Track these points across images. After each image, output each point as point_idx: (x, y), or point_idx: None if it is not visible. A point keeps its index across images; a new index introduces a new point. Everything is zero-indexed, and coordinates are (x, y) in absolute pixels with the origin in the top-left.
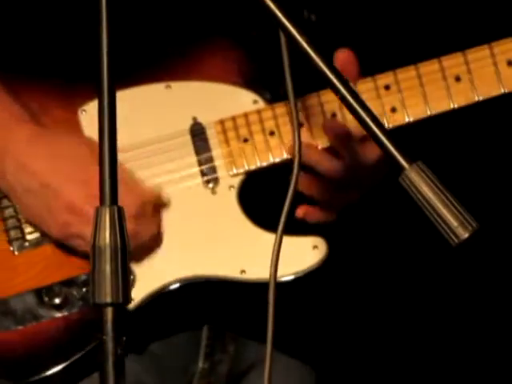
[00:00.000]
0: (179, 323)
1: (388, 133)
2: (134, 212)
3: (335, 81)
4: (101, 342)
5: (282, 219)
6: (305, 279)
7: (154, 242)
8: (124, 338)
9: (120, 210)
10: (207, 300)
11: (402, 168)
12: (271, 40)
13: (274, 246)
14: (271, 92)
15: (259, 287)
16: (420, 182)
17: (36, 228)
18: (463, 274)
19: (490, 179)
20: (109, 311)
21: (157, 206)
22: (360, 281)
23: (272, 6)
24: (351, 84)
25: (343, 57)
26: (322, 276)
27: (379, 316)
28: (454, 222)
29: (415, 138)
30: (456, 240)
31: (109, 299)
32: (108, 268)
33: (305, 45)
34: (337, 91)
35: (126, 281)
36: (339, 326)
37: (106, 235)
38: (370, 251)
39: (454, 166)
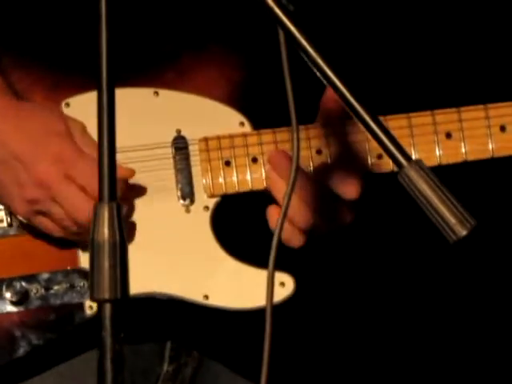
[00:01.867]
0: (142, 334)
1: (387, 131)
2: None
3: (334, 79)
4: (50, 341)
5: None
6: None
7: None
8: (122, 334)
9: (119, 207)
10: (171, 316)
11: (400, 166)
12: (268, 48)
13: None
14: (262, 108)
15: (221, 313)
16: (418, 179)
17: (0, 203)
18: (461, 271)
19: (488, 176)
20: (107, 307)
21: (127, 189)
22: (358, 278)
23: (271, 3)
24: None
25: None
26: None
27: (375, 317)
28: (452, 220)
29: None
30: (454, 237)
31: (107, 295)
32: (106, 264)
33: (304, 42)
34: (336, 89)
35: (124, 277)
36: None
37: (105, 231)
38: (367, 249)
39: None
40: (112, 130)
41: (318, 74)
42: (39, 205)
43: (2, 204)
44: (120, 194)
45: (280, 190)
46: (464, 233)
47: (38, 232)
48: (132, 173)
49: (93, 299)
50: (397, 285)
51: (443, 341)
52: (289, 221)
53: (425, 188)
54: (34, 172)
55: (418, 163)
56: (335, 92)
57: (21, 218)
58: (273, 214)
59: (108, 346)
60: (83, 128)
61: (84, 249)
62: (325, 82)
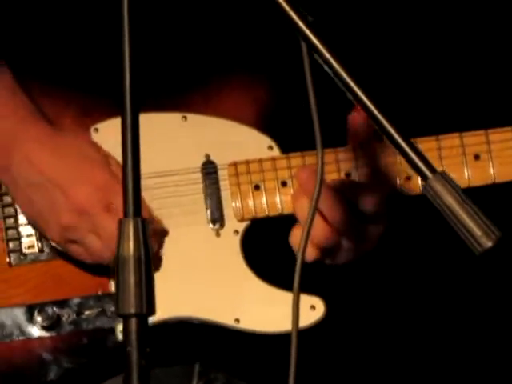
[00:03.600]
0: (172, 357)
1: (412, 143)
2: None
3: (358, 91)
4: (82, 365)
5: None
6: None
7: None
8: (148, 350)
9: (144, 222)
10: (200, 340)
11: (425, 177)
12: (293, 70)
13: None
14: (288, 134)
15: (252, 337)
16: (443, 191)
17: (34, 228)
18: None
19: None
20: (133, 322)
21: (155, 228)
22: (374, 287)
23: (294, 16)
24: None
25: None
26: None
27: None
28: (477, 231)
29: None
30: (480, 249)
31: (133, 310)
32: (132, 279)
33: (326, 54)
34: (359, 100)
35: (150, 291)
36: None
37: (130, 246)
38: (394, 272)
39: None
40: (136, 145)
41: (340, 86)
42: (74, 233)
43: (37, 229)
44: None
45: (303, 207)
46: (489, 244)
47: (70, 256)
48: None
49: (118, 314)
50: (423, 308)
51: (443, 347)
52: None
53: (449, 200)
54: (72, 197)
55: (443, 175)
56: (358, 103)
57: (54, 244)
58: (295, 234)
59: (134, 361)
60: (116, 159)
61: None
62: (348, 94)
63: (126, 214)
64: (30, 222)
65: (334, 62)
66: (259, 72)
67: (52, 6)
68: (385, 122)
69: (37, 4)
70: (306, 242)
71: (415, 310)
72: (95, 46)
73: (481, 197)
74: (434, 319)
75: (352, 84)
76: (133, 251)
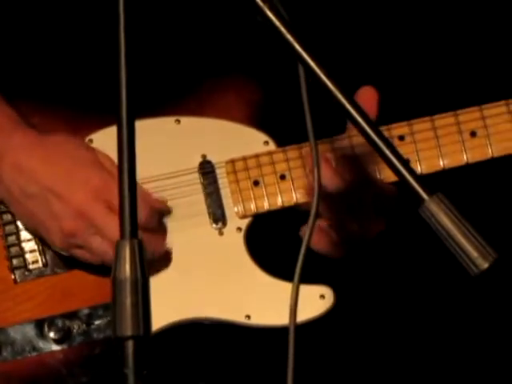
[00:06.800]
0: (173, 372)
1: (408, 165)
2: (142, 219)
3: (355, 114)
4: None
5: (299, 263)
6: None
7: (160, 258)
8: (145, 372)
9: (140, 244)
10: (203, 355)
11: (421, 199)
12: (286, 76)
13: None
14: (282, 132)
15: (264, 332)
16: (440, 212)
17: (35, 237)
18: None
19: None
20: (129, 344)
21: (162, 220)
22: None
23: (291, 38)
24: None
25: (367, 96)
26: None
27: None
28: (473, 253)
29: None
30: (476, 270)
31: (129, 332)
32: (128, 301)
33: (324, 77)
34: (356, 124)
35: (146, 313)
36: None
37: (127, 268)
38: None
39: (472, 194)
40: (132, 167)
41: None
42: (77, 238)
43: (38, 238)
44: (156, 225)
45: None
46: (486, 266)
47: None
48: (165, 206)
49: (115, 336)
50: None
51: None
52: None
53: (446, 221)
54: (70, 203)
55: (439, 196)
56: (355, 126)
57: (58, 250)
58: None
59: (131, 383)
60: (109, 157)
61: None
62: (345, 116)
63: (122, 236)
64: (31, 232)
65: (332, 88)
66: (249, 74)
67: (37, 14)
68: (381, 144)
69: (20, 16)
70: (311, 234)
71: (415, 309)
72: (84, 58)
73: (477, 215)
74: (433, 319)
75: (347, 105)
76: (129, 273)
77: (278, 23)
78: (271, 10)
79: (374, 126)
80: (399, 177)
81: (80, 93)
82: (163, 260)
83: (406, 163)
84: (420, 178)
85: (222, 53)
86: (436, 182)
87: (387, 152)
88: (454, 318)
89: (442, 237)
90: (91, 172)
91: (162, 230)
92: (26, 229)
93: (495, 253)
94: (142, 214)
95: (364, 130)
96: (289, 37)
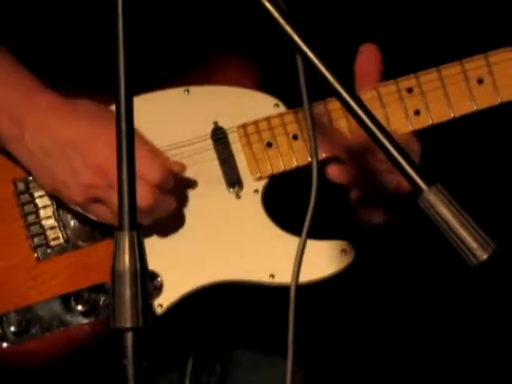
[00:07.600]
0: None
1: (406, 155)
2: (157, 179)
3: (354, 106)
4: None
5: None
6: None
7: (174, 220)
8: (145, 363)
9: (139, 235)
10: (195, 328)
11: (420, 190)
12: (283, 54)
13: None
14: (291, 96)
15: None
16: (438, 203)
17: (53, 194)
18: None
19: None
20: (129, 336)
21: (177, 181)
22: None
23: (289, 29)
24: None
25: (368, 54)
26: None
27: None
28: (473, 244)
29: (432, 159)
30: (475, 261)
31: (129, 324)
32: (128, 293)
33: (323, 69)
34: (354, 115)
35: (146, 305)
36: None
37: (126, 260)
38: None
39: (471, 185)
40: (131, 156)
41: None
42: (97, 190)
43: (58, 196)
44: (171, 187)
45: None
46: (485, 257)
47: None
48: (183, 168)
49: (114, 328)
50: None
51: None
52: None
53: (445, 212)
54: (90, 156)
55: (438, 187)
56: (354, 117)
57: (78, 208)
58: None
59: (130, 375)
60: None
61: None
62: (340, 101)
63: (121, 228)
64: (50, 192)
65: (331, 80)
66: (250, 51)
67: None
68: (380, 135)
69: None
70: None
71: (415, 309)
72: (88, 41)
73: (477, 207)
74: (434, 318)
75: (346, 96)
76: (128, 265)
77: (276, 14)
78: (270, 1)
79: (373, 116)
80: (398, 167)
81: (87, 73)
82: (177, 219)
83: (405, 154)
84: (419, 169)
85: (227, 28)
86: (435, 172)
87: (386, 143)
88: (453, 308)
89: (440, 228)
90: (114, 132)
91: (174, 193)
92: (44, 189)
93: (495, 244)
94: (157, 176)
95: (363, 120)
96: (287, 28)
